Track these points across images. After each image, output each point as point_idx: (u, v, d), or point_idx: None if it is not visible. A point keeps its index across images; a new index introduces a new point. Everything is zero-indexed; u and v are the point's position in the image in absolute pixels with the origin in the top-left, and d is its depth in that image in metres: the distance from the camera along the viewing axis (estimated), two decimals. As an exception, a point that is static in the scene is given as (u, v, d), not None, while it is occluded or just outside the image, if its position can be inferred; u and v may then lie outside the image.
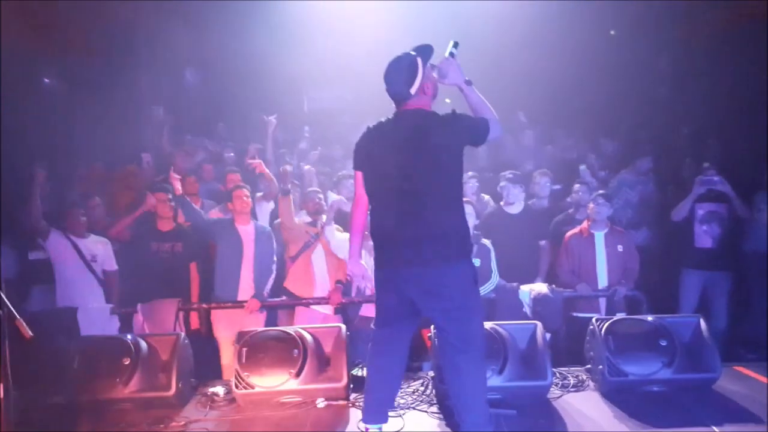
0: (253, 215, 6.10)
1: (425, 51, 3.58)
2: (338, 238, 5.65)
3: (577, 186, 6.38)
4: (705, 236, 6.12)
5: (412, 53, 3.56)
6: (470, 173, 6.82)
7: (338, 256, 5.65)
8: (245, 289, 5.61)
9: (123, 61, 8.71)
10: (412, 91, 3.50)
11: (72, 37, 8.24)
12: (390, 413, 3.99)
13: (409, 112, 3.55)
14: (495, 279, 5.66)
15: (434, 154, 3.44)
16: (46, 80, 8.79)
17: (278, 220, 5.98)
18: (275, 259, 5.81)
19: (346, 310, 5.79)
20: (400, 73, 3.51)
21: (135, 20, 8.76)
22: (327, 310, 5.69)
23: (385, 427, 3.86)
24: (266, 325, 5.52)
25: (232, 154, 8.67)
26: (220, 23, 9.36)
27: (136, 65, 9.02)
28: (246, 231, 5.71)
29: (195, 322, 5.73)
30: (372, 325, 3.80)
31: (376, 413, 3.83)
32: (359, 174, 3.69)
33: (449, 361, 3.61)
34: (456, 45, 3.66)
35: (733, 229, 6.13)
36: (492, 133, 3.59)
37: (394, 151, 3.49)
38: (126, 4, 8.45)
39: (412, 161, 3.45)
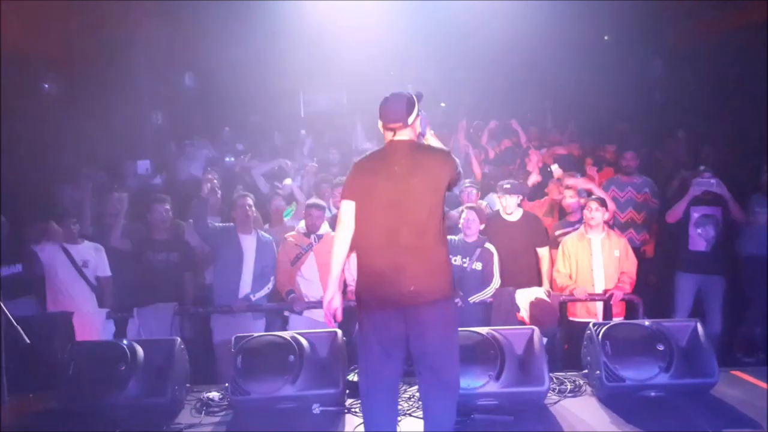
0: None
1: (419, 95, 3.70)
2: None
3: (567, 191, 6.38)
4: (699, 239, 6.10)
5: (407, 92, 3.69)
6: (468, 181, 6.82)
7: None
8: (244, 292, 5.61)
9: (121, 66, 8.70)
10: (409, 120, 3.59)
11: (70, 42, 8.24)
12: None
13: (404, 143, 3.61)
14: (496, 284, 5.65)
15: (433, 188, 3.52)
16: (45, 85, 8.78)
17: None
18: (274, 269, 5.78)
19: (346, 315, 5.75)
20: (401, 103, 3.61)
21: (133, 25, 8.76)
22: (321, 317, 5.62)
23: None
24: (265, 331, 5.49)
25: (232, 159, 8.68)
26: (217, 29, 9.36)
27: (134, 70, 9.02)
28: (247, 241, 5.69)
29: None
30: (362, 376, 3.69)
31: None
32: (351, 204, 3.62)
33: (434, 398, 3.60)
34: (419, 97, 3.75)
35: (729, 233, 6.11)
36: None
37: (394, 181, 3.52)
38: (124, 9, 8.44)
39: (413, 193, 3.49)
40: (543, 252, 6.06)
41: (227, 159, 9.15)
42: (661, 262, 6.50)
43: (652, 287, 6.40)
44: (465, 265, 5.62)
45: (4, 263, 5.53)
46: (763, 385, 4.85)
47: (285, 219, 6.65)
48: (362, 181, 3.61)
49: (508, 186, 6.03)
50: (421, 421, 4.23)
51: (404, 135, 3.61)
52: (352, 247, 3.64)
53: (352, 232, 3.62)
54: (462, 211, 5.81)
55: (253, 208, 5.78)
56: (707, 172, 6.10)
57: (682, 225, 6.17)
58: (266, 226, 6.49)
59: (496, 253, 5.71)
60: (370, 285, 3.56)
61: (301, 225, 5.86)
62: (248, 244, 5.69)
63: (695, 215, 6.11)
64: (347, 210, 3.62)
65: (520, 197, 6.14)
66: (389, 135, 3.64)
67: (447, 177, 3.56)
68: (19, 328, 4.43)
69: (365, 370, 3.62)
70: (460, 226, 5.76)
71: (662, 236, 6.61)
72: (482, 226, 5.80)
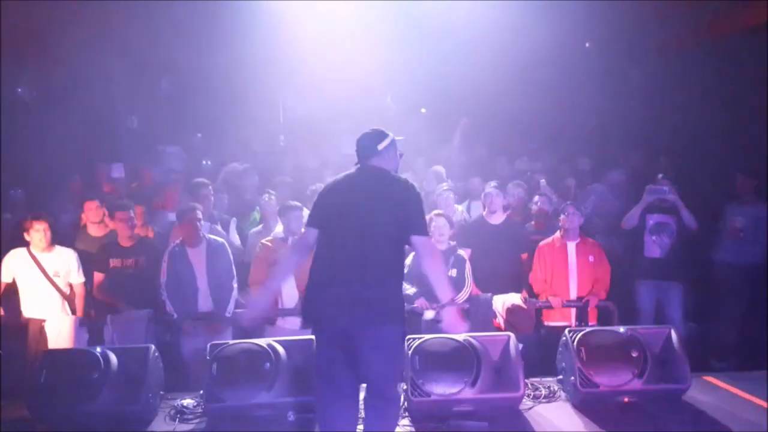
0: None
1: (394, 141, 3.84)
2: None
3: (536, 198, 6.43)
4: (654, 246, 6.16)
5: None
6: (445, 186, 6.85)
7: None
8: (204, 304, 5.55)
9: (97, 70, 8.62)
10: (379, 147, 3.74)
11: (45, 46, 8.16)
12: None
13: (374, 168, 3.74)
14: (469, 288, 5.67)
15: (394, 217, 3.58)
16: (19, 89, 8.69)
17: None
18: (234, 274, 5.68)
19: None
20: (372, 134, 3.80)
21: (110, 29, 8.68)
22: (296, 325, 5.59)
23: None
24: (235, 338, 5.42)
25: (209, 162, 8.63)
26: (195, 33, 9.31)
27: (110, 74, 8.94)
28: (196, 252, 5.59)
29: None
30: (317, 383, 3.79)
31: None
32: (313, 232, 3.73)
33: (376, 408, 3.67)
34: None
35: (686, 240, 6.17)
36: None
37: (356, 207, 3.62)
38: (101, 13, 8.37)
39: (373, 220, 3.57)
40: (526, 258, 6.11)
41: (204, 162, 9.10)
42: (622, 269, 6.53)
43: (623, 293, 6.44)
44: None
45: None
46: (734, 390, 4.92)
47: (250, 231, 6.57)
48: (326, 207, 3.72)
49: (496, 184, 6.11)
50: (398, 428, 4.28)
51: (374, 161, 3.75)
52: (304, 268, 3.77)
53: (303, 261, 3.80)
54: (431, 218, 5.69)
55: (201, 222, 5.63)
56: (664, 180, 6.19)
57: (638, 232, 6.24)
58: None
59: (468, 259, 5.72)
60: (318, 306, 3.64)
61: (278, 230, 5.81)
62: (198, 256, 5.57)
63: (650, 222, 6.18)
64: (307, 238, 3.77)
65: (505, 198, 6.21)
66: (360, 162, 3.79)
67: (410, 208, 3.62)
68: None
69: (320, 384, 3.72)
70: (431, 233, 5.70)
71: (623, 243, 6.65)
72: (451, 231, 5.80)
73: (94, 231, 6.15)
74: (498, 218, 6.13)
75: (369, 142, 3.77)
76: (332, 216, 3.67)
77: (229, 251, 5.73)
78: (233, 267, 5.66)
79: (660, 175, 6.34)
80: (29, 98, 8.44)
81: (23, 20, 7.38)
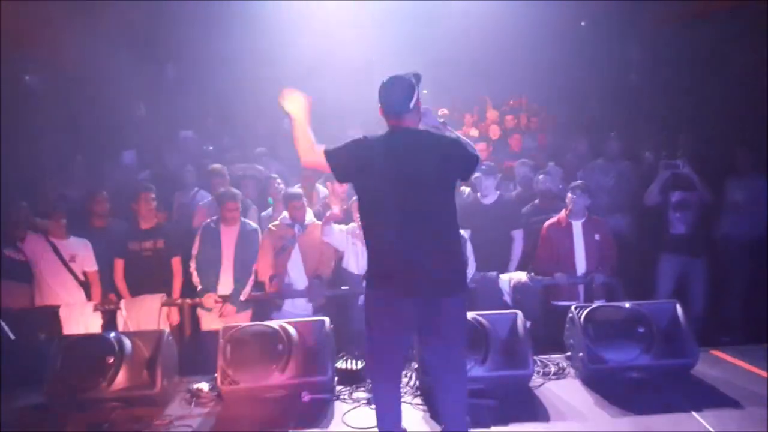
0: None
1: (417, 76, 3.53)
2: (335, 231, 5.63)
3: (541, 177, 6.45)
4: (678, 222, 6.21)
5: (407, 76, 3.51)
6: None
7: (338, 247, 5.66)
8: (225, 286, 5.63)
9: (104, 58, 8.62)
10: (411, 105, 3.44)
11: (52, 34, 8.15)
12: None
13: (409, 129, 3.47)
14: (472, 268, 5.72)
15: (441, 175, 3.41)
16: (27, 77, 8.69)
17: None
18: (256, 260, 5.76)
19: (339, 302, 5.77)
20: (401, 89, 3.45)
21: (116, 16, 8.68)
22: (304, 310, 5.66)
23: None
24: (253, 320, 5.51)
25: (211, 148, 8.63)
26: (199, 18, 9.30)
27: (117, 62, 8.94)
28: (228, 232, 5.70)
29: (174, 317, 5.75)
30: (369, 359, 3.77)
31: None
32: (335, 169, 3.49)
33: (443, 378, 3.61)
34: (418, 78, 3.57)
35: (707, 216, 6.22)
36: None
37: (399, 169, 3.37)
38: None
39: (423, 180, 3.36)
40: (516, 234, 6.15)
41: (205, 148, 9.11)
42: (642, 245, 6.57)
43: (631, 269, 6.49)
44: None
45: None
46: (741, 364, 4.97)
47: (263, 214, 6.62)
48: (359, 163, 3.43)
49: (485, 167, 6.12)
50: (410, 407, 4.36)
51: (406, 121, 3.47)
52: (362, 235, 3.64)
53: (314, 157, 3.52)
54: None
55: (240, 209, 5.74)
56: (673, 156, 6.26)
57: (662, 209, 6.28)
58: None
59: (469, 239, 5.76)
60: (381, 275, 3.46)
61: (284, 215, 5.86)
62: (228, 236, 5.69)
63: (673, 199, 6.22)
64: (328, 156, 3.47)
65: (496, 179, 6.23)
66: (390, 122, 3.50)
67: (457, 165, 3.45)
68: (3, 324, 4.45)
69: (371, 351, 3.64)
70: None
71: (643, 220, 6.67)
72: None
73: (99, 222, 6.17)
74: (491, 198, 6.18)
75: (400, 98, 3.43)
76: (363, 180, 3.46)
77: (260, 239, 5.83)
78: (256, 254, 5.75)
79: (664, 153, 6.38)
80: (37, 86, 8.44)
81: (28, 9, 7.39)
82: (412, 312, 3.42)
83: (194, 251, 5.68)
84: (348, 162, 3.46)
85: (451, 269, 3.47)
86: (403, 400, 4.41)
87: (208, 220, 5.82)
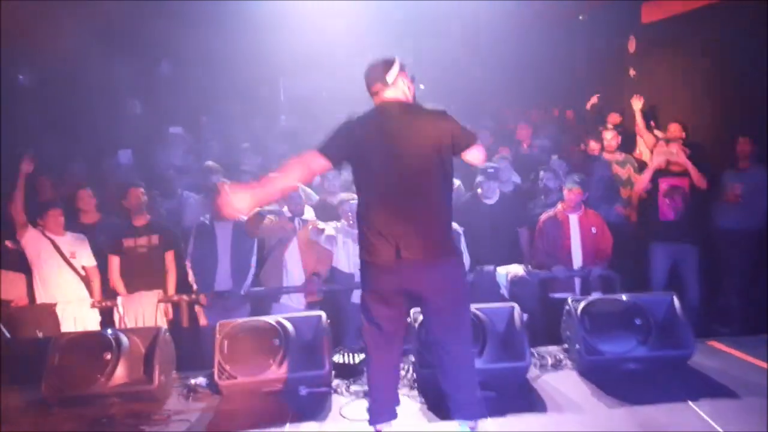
0: None
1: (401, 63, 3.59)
2: (326, 231, 5.65)
3: (542, 174, 6.44)
4: (668, 209, 6.23)
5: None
6: None
7: (327, 248, 5.66)
8: (222, 282, 5.62)
9: (98, 55, 8.62)
10: (389, 79, 3.49)
11: (45, 31, 8.14)
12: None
13: (393, 103, 3.51)
14: (466, 264, 5.72)
15: (430, 147, 3.38)
16: (21, 76, 8.69)
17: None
18: (254, 253, 5.78)
19: (334, 298, 5.78)
20: (377, 65, 3.55)
21: (109, 12, 8.66)
22: (300, 305, 5.68)
23: (394, 423, 3.74)
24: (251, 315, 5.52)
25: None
26: (195, 12, 9.28)
27: (110, 58, 8.94)
28: (223, 228, 5.70)
29: (169, 312, 5.75)
30: (365, 326, 3.63)
31: (385, 412, 3.70)
32: (322, 160, 3.51)
33: (448, 350, 3.56)
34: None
35: (699, 202, 6.24)
36: (475, 153, 3.52)
37: (390, 142, 3.39)
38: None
39: (412, 152, 3.37)
40: (523, 231, 6.14)
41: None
42: (638, 236, 6.58)
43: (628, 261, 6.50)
44: None
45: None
46: (738, 354, 4.98)
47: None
48: (348, 142, 3.47)
49: (491, 170, 6.08)
50: (407, 399, 4.35)
51: (390, 94, 3.51)
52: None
53: (297, 180, 3.62)
54: None
55: None
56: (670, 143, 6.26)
57: (651, 196, 6.30)
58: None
59: (463, 233, 5.75)
60: (370, 250, 3.46)
61: (284, 209, 5.87)
62: (224, 231, 5.69)
63: (663, 186, 6.23)
64: (311, 161, 3.52)
65: (500, 182, 6.21)
66: (376, 99, 3.55)
67: (446, 135, 3.41)
68: (-1, 324, 4.47)
69: (367, 329, 3.61)
70: None
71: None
72: None
73: (87, 219, 6.17)
74: (492, 198, 6.15)
75: (376, 74, 3.51)
76: (357, 156, 3.46)
77: None
78: (255, 247, 5.74)
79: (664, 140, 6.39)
80: (30, 85, 8.43)
81: (20, 7, 7.37)
82: (405, 278, 3.41)
83: (189, 249, 5.68)
84: (341, 148, 3.49)
85: (440, 232, 3.44)
86: (400, 392, 4.45)
87: (202, 218, 5.81)
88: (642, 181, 6.29)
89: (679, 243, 6.20)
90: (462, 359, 3.59)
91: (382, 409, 3.68)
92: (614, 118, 7.94)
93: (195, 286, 5.60)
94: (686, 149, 6.33)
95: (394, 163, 3.38)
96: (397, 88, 3.53)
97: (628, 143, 7.61)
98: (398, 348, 3.71)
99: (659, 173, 6.24)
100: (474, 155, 3.53)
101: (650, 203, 6.32)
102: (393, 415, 3.71)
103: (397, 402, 3.75)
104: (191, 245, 5.68)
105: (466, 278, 3.62)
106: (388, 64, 3.53)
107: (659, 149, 6.28)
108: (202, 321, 5.70)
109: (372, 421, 3.68)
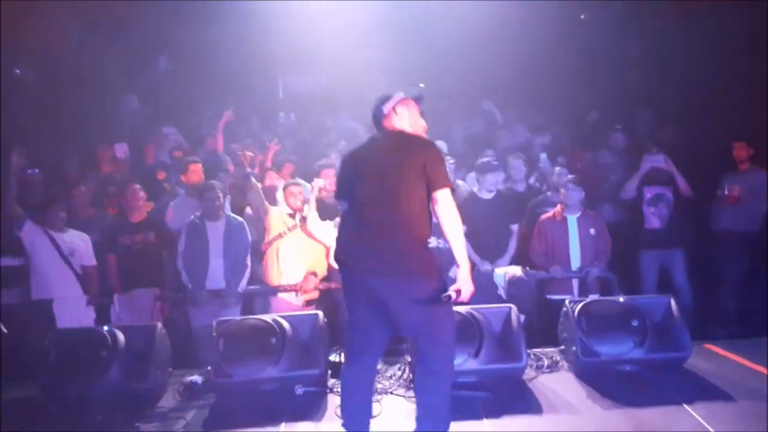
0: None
1: (414, 90, 3.80)
2: (322, 225, 5.64)
3: (557, 169, 6.43)
4: (653, 217, 6.24)
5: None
6: (451, 160, 6.84)
7: (325, 243, 5.66)
8: (215, 281, 5.61)
9: (95, 50, 8.59)
10: (384, 109, 3.67)
11: (43, 26, 8.12)
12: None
13: (387, 132, 3.68)
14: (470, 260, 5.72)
15: (406, 173, 3.43)
16: (17, 71, 8.65)
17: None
18: (248, 252, 5.75)
19: (333, 297, 5.77)
20: (378, 99, 3.73)
21: (106, 8, 8.63)
22: (298, 302, 5.67)
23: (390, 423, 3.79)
24: (242, 315, 5.50)
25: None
26: (193, 9, 9.26)
27: (108, 53, 8.90)
28: (215, 228, 5.68)
29: (165, 310, 5.74)
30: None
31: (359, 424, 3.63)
32: (344, 204, 3.70)
33: (421, 385, 3.57)
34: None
35: (684, 208, 6.27)
36: (439, 197, 3.44)
37: (370, 169, 3.52)
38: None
39: (388, 172, 3.44)
40: (515, 228, 6.12)
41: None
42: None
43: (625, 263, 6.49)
44: (440, 245, 5.63)
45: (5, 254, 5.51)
46: (734, 357, 4.98)
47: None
48: (345, 176, 3.68)
49: (485, 165, 6.06)
50: (403, 400, 4.36)
51: (386, 124, 3.69)
52: None
53: None
54: None
55: (221, 198, 5.75)
56: (659, 152, 6.26)
57: (636, 204, 6.32)
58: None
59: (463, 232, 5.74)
60: (341, 260, 3.57)
61: (284, 206, 5.87)
62: (215, 231, 5.67)
63: (648, 195, 6.26)
64: (340, 197, 3.73)
65: (496, 176, 6.19)
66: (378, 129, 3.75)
67: (420, 168, 3.42)
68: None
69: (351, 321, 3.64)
70: None
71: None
72: None
73: (82, 214, 6.14)
74: (489, 193, 6.14)
75: (376, 107, 3.71)
76: (352, 181, 3.58)
77: (248, 231, 5.80)
78: (249, 246, 5.73)
79: (654, 149, 6.38)
80: (27, 79, 8.39)
81: (19, 2, 7.35)
82: (375, 293, 3.41)
83: (180, 248, 5.62)
84: (349, 184, 3.61)
85: (408, 252, 3.41)
86: (395, 392, 4.46)
87: (192, 216, 5.78)
88: (629, 188, 6.28)
89: (666, 248, 6.21)
90: (427, 394, 3.53)
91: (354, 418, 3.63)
92: None
93: (189, 286, 5.56)
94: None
95: (372, 188, 3.48)
96: (396, 118, 3.67)
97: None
98: (369, 359, 3.63)
99: (644, 182, 6.26)
100: (437, 199, 3.44)
101: (636, 210, 6.34)
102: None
103: (370, 416, 3.68)
104: (182, 244, 5.63)
105: (437, 309, 3.43)
106: (386, 97, 3.72)
107: (647, 156, 6.26)
108: (196, 320, 5.64)
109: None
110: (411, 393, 4.46)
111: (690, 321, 5.23)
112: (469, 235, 5.77)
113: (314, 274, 5.63)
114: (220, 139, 7.82)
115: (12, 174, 5.45)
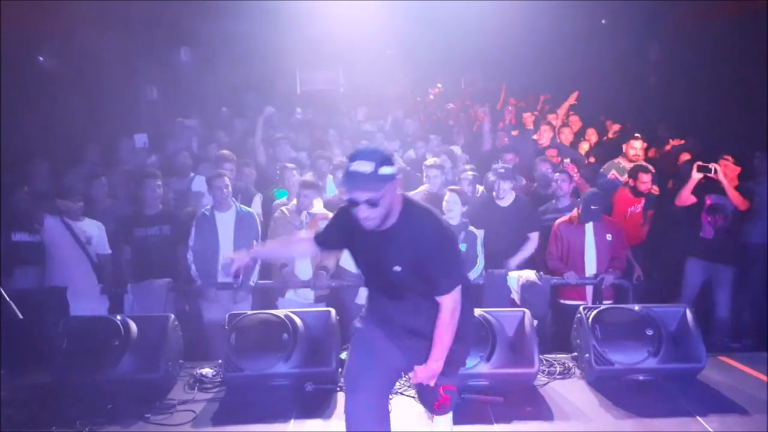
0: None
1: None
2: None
3: (556, 176, 6.38)
4: (708, 227, 6.14)
5: None
6: (468, 166, 6.82)
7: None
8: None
9: (117, 41, 8.63)
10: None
11: (65, 16, 8.17)
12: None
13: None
14: (480, 265, 5.69)
15: (407, 259, 3.10)
16: (41, 58, 8.71)
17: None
18: (259, 242, 5.74)
19: (338, 296, 5.76)
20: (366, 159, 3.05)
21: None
22: (306, 300, 5.66)
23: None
24: (254, 308, 5.50)
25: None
26: (213, 3, 9.29)
27: (130, 45, 8.95)
28: (224, 219, 5.68)
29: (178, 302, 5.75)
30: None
31: None
32: (314, 246, 3.53)
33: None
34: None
35: (738, 222, 6.16)
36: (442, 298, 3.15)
37: (372, 247, 3.17)
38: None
39: (388, 264, 3.12)
40: (533, 236, 6.08)
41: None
42: (663, 248, 6.49)
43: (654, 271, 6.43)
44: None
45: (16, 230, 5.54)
46: (748, 370, 4.93)
47: (277, 200, 6.58)
48: (339, 231, 3.34)
49: (503, 170, 6.03)
50: (412, 401, 4.34)
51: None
52: None
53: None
54: (444, 193, 5.76)
55: (229, 187, 5.71)
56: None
57: (694, 211, 6.20)
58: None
59: (480, 236, 5.72)
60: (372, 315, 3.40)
61: (294, 203, 5.85)
62: (224, 222, 5.65)
63: (708, 202, 6.15)
64: (309, 245, 3.55)
65: (514, 182, 6.15)
66: None
67: (421, 264, 3.08)
68: (12, 304, 4.46)
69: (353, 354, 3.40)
70: (443, 208, 5.63)
71: (665, 222, 6.57)
72: (464, 209, 5.79)
73: (101, 205, 6.13)
74: (507, 200, 6.10)
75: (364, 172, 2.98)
76: (348, 246, 3.38)
77: (258, 222, 5.80)
78: (259, 236, 5.72)
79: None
80: (50, 68, 8.45)
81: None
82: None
83: (190, 242, 5.62)
84: (331, 235, 3.43)
85: (421, 328, 3.23)
86: (404, 393, 4.44)
87: (203, 209, 5.78)
88: (683, 195, 6.14)
89: (716, 262, 6.12)
90: None
91: None
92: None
93: (198, 282, 5.56)
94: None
95: (375, 268, 3.22)
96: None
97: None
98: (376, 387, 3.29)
99: (703, 189, 6.13)
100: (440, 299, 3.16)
101: (692, 218, 6.21)
102: None
103: None
104: (192, 238, 5.62)
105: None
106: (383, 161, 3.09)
107: (698, 164, 6.13)
108: (209, 312, 5.66)
109: None
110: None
111: (721, 337, 5.30)
112: (485, 242, 5.78)
113: (324, 269, 5.61)
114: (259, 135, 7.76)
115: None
